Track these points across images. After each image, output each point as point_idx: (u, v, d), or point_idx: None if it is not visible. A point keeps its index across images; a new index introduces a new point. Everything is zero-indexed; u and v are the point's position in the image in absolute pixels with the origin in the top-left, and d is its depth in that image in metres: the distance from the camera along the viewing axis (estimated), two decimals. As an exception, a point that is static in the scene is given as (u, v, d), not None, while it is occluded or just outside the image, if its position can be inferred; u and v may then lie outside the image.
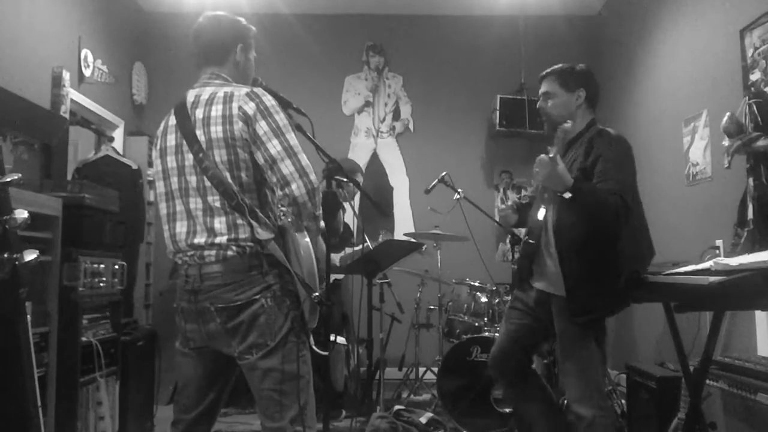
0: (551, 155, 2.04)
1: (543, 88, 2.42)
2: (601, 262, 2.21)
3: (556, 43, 5.56)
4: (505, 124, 5.36)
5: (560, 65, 2.43)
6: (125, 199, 3.73)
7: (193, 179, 1.76)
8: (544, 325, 2.38)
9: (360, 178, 4.17)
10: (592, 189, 2.14)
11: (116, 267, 3.11)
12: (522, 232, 2.63)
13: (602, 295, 2.20)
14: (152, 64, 5.55)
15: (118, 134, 4.98)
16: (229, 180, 1.72)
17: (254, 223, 1.72)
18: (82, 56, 4.35)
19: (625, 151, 2.27)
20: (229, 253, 1.72)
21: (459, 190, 4.06)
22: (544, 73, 2.44)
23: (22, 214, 1.22)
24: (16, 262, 1.20)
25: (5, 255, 1.19)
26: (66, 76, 4.01)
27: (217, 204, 1.73)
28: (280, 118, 1.75)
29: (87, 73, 4.41)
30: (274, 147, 1.71)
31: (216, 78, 1.86)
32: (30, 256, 1.23)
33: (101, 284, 2.93)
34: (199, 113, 1.77)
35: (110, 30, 4.86)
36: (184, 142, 1.77)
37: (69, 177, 4.01)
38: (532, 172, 2.14)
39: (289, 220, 1.78)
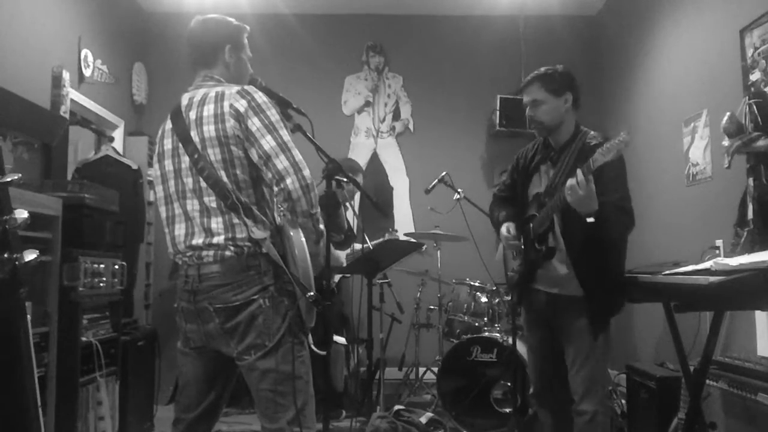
0: (586, 178, 2.02)
1: (530, 96, 2.38)
2: (610, 262, 2.28)
3: (555, 43, 5.56)
4: (505, 124, 5.35)
5: (542, 70, 2.38)
6: (125, 199, 3.73)
7: (189, 181, 1.77)
8: (556, 327, 2.40)
9: (360, 178, 4.16)
10: (609, 216, 2.15)
11: (116, 267, 3.11)
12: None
13: (616, 291, 2.28)
14: (152, 64, 5.55)
15: (118, 134, 4.98)
16: (225, 179, 1.73)
17: (249, 222, 1.72)
18: (82, 56, 4.35)
19: (623, 162, 2.31)
20: (227, 253, 1.72)
21: (459, 190, 4.06)
22: (527, 80, 2.40)
23: (22, 214, 1.22)
24: (16, 262, 1.20)
25: (5, 255, 1.18)
26: (66, 76, 4.01)
27: (213, 204, 1.74)
28: (272, 114, 1.75)
29: (87, 73, 4.41)
30: (268, 143, 1.71)
31: (209, 80, 1.87)
32: (30, 256, 1.23)
33: (101, 284, 2.93)
34: (192, 114, 1.78)
35: (110, 30, 4.86)
36: (180, 145, 1.78)
37: (69, 177, 4.01)
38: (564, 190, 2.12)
39: (285, 216, 1.78)
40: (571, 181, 2.04)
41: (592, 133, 2.37)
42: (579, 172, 2.03)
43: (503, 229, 2.48)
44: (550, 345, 2.45)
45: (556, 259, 2.35)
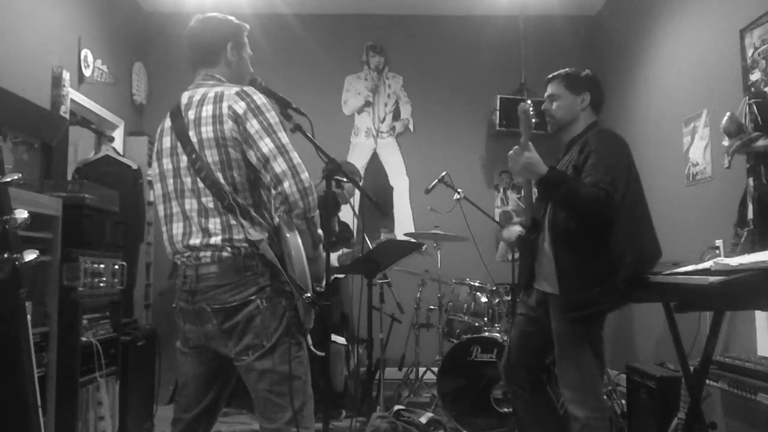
0: (521, 142, 2.10)
1: (549, 91, 2.45)
2: (592, 256, 2.18)
3: (556, 43, 5.57)
4: (505, 124, 5.36)
5: (567, 69, 2.45)
6: (125, 199, 3.73)
7: (188, 180, 1.76)
8: (548, 326, 2.36)
9: (358, 182, 4.16)
10: (564, 178, 2.15)
11: (116, 267, 3.11)
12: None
13: (592, 289, 2.16)
14: (152, 64, 5.55)
15: (118, 134, 4.98)
16: (222, 180, 1.72)
17: (246, 224, 1.72)
18: (82, 56, 4.36)
19: (617, 147, 2.28)
20: (224, 254, 1.72)
21: (459, 190, 4.06)
22: (551, 75, 2.47)
23: (22, 214, 1.22)
24: (16, 262, 1.20)
25: (5, 255, 1.19)
26: (66, 76, 4.01)
27: (211, 205, 1.73)
28: (271, 116, 1.75)
29: (87, 73, 4.41)
30: (266, 145, 1.70)
31: (209, 79, 1.86)
32: (30, 256, 1.23)
33: (101, 284, 2.93)
34: (192, 114, 1.77)
35: (110, 30, 4.86)
36: (179, 144, 1.78)
37: (69, 177, 4.01)
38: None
39: (282, 217, 1.78)
40: (509, 153, 2.14)
41: (606, 129, 2.37)
42: (521, 141, 2.14)
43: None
44: (530, 340, 2.43)
45: (546, 255, 2.33)
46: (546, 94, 2.46)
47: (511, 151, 2.14)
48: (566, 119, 2.40)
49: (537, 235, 2.39)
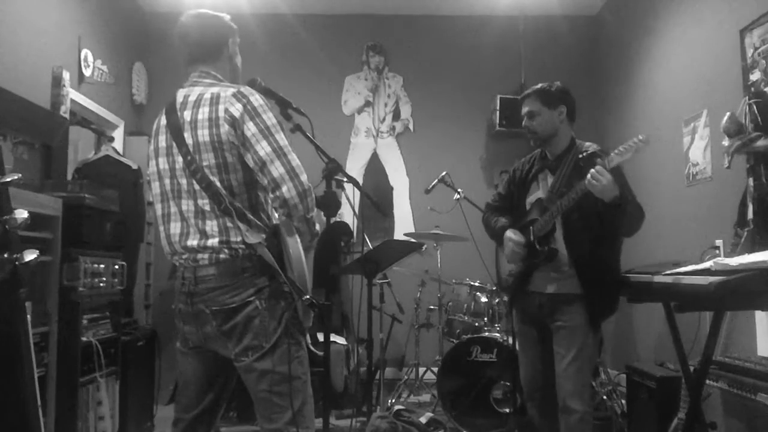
0: (608, 167, 2.13)
1: (526, 108, 2.52)
2: (611, 265, 2.36)
3: (555, 43, 5.57)
4: (505, 124, 5.36)
5: (539, 85, 2.53)
6: (125, 199, 3.73)
7: (184, 181, 1.75)
8: (548, 325, 2.42)
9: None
10: (631, 210, 2.25)
11: (116, 267, 3.12)
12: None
13: (616, 294, 2.36)
14: (152, 64, 5.55)
15: (118, 134, 4.98)
16: (218, 184, 1.71)
17: (243, 226, 1.71)
18: (82, 56, 4.35)
19: (622, 170, 2.39)
20: (222, 256, 1.71)
21: (459, 190, 4.06)
22: (524, 94, 2.56)
23: (22, 214, 1.22)
24: (16, 262, 1.20)
25: (5, 255, 1.19)
26: (66, 76, 4.01)
27: (207, 207, 1.72)
28: (269, 117, 1.72)
29: (87, 73, 4.41)
30: (264, 149, 1.68)
31: (205, 77, 1.84)
32: (30, 256, 1.23)
33: (101, 284, 2.93)
34: (187, 115, 1.75)
35: (110, 30, 4.86)
36: (174, 144, 1.76)
37: (69, 177, 4.01)
38: (585, 180, 2.17)
39: (281, 219, 1.77)
40: (591, 172, 2.15)
41: (587, 143, 2.48)
42: (599, 161, 2.17)
43: (510, 234, 2.51)
44: (540, 349, 2.48)
45: (559, 262, 2.38)
46: (525, 111, 2.52)
47: (593, 172, 2.14)
48: (548, 133, 2.48)
49: (546, 247, 2.41)
